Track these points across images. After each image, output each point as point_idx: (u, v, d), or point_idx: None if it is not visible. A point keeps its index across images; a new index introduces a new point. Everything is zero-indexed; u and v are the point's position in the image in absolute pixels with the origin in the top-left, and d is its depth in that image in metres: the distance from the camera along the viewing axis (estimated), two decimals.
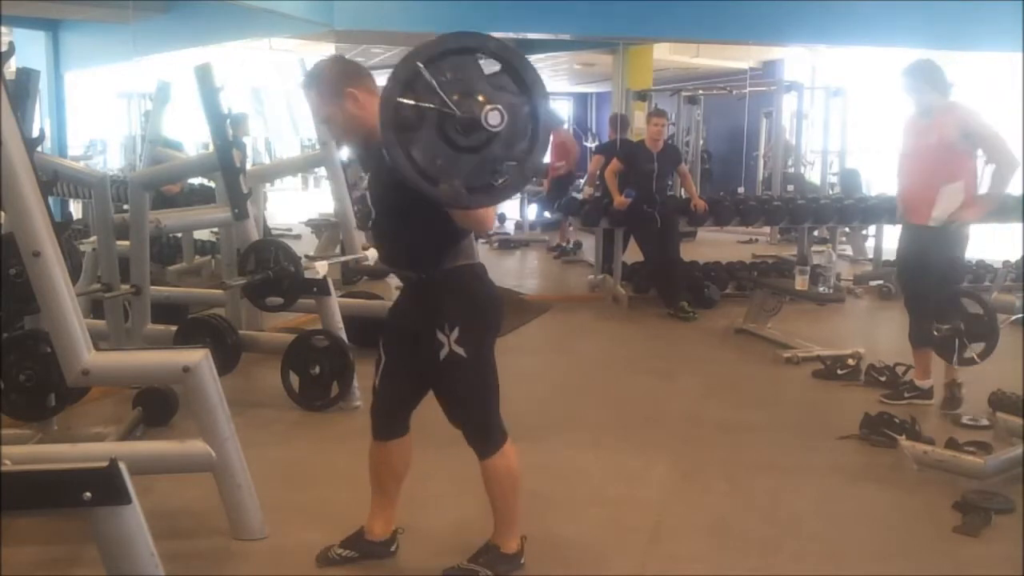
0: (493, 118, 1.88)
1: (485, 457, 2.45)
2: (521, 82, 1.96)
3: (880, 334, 5.94)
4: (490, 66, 1.96)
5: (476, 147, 1.94)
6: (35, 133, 2.60)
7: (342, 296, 4.85)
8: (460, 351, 2.32)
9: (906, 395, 4.23)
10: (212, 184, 5.72)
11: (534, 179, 2.07)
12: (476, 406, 2.43)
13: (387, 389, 2.53)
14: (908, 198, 4.12)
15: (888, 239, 7.52)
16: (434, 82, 1.90)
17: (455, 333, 2.32)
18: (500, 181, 1.99)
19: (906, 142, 4.13)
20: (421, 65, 1.90)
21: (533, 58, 12.47)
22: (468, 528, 2.74)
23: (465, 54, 1.96)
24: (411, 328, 2.40)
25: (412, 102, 1.90)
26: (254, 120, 9.43)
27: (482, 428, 2.45)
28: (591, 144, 12.77)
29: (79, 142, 9.25)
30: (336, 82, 2.32)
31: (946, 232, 3.93)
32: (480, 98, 1.91)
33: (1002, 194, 4.02)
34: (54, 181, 2.80)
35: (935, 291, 3.91)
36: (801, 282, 5.37)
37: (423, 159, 1.94)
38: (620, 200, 6.54)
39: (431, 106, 1.90)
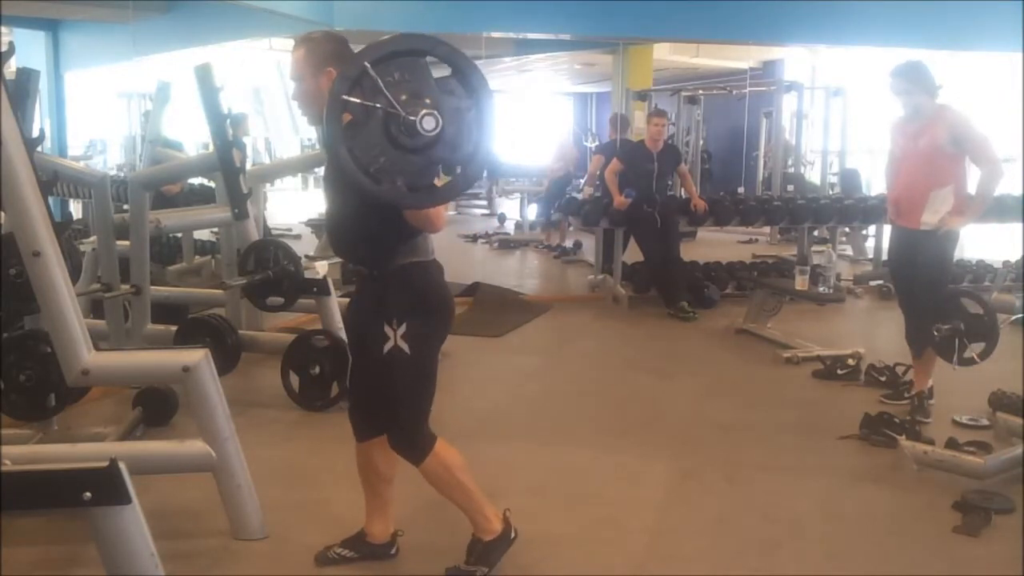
0: (428, 123, 1.92)
1: (416, 463, 2.43)
2: (468, 86, 2.00)
3: (880, 334, 5.93)
4: (440, 70, 2.01)
5: (419, 148, 1.97)
6: (35, 133, 2.60)
7: (342, 296, 4.85)
8: (404, 347, 2.31)
9: (906, 395, 4.23)
10: (212, 184, 5.71)
11: (478, 181, 2.15)
12: (407, 406, 2.39)
13: (355, 389, 2.55)
14: (898, 201, 4.13)
15: (888, 239, 7.51)
16: (380, 81, 1.93)
17: (402, 328, 2.32)
18: (443, 182, 2.03)
19: (895, 145, 4.13)
20: (368, 64, 1.93)
21: (533, 58, 12.51)
22: (468, 528, 2.73)
23: (414, 56, 1.99)
24: (363, 322, 2.41)
25: (358, 100, 1.94)
26: (254, 120, 9.43)
27: (409, 433, 2.40)
28: (591, 144, 12.76)
29: (79, 142, 9.25)
30: (322, 55, 2.34)
31: (936, 235, 3.93)
32: (426, 100, 1.94)
33: (989, 199, 4.03)
34: (54, 181, 2.80)
35: (927, 293, 3.92)
36: (801, 282, 5.37)
37: (366, 157, 1.98)
38: (620, 200, 6.54)
39: (376, 105, 1.94)
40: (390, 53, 1.98)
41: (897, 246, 4.23)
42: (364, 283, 2.46)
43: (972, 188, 3.99)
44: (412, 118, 1.92)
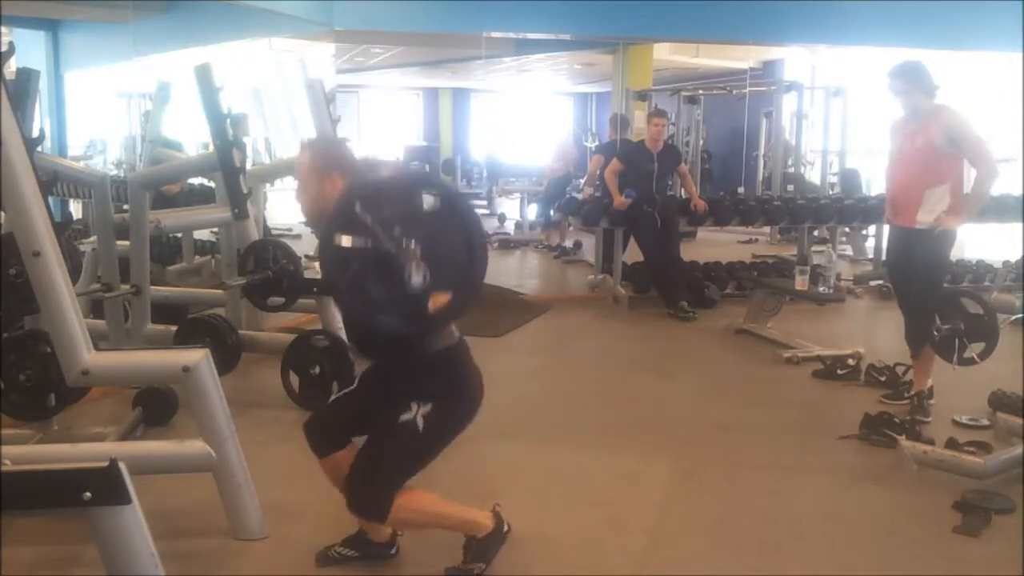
0: (415, 280, 2.05)
1: (380, 524, 2.42)
2: (458, 216, 2.16)
3: (880, 334, 5.93)
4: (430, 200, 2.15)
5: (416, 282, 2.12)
6: (35, 133, 2.60)
7: None
8: (420, 424, 2.31)
9: (906, 395, 4.23)
10: (212, 184, 5.71)
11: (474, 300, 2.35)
12: (388, 477, 2.34)
13: (341, 408, 2.54)
14: (895, 201, 4.14)
15: (888, 239, 7.51)
16: (369, 220, 2.08)
17: (427, 407, 2.33)
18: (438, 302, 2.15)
19: (893, 144, 4.14)
20: (359, 205, 2.09)
21: (533, 58, 12.51)
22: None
23: (404, 192, 2.15)
24: (392, 386, 2.38)
25: (350, 241, 2.09)
26: (254, 120, 9.43)
27: (375, 501, 2.34)
28: (591, 144, 12.76)
29: (79, 142, 9.25)
30: (326, 162, 2.45)
31: (932, 235, 3.93)
32: (412, 245, 2.08)
33: (984, 199, 4.05)
34: (54, 181, 2.80)
35: (924, 292, 3.93)
36: (801, 282, 5.37)
37: (364, 291, 2.13)
38: (620, 200, 6.54)
39: (367, 244, 2.08)
40: (377, 192, 2.14)
41: (894, 246, 4.24)
42: (396, 358, 2.41)
43: (968, 188, 3.99)
44: (400, 271, 2.07)
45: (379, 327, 2.17)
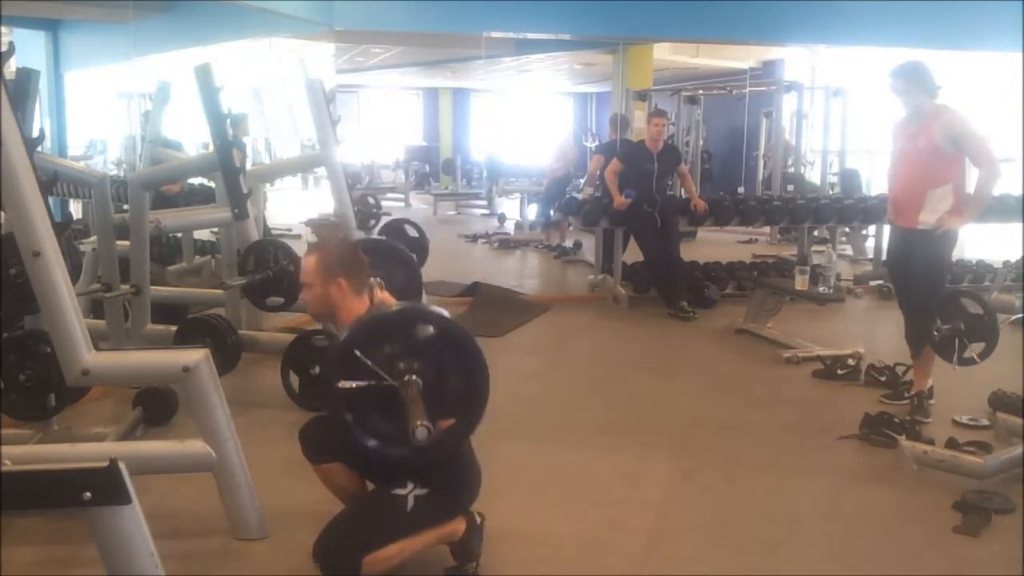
0: (420, 434, 2.07)
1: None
2: (456, 345, 2.23)
3: (880, 334, 5.93)
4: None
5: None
6: (35, 133, 2.60)
7: None
8: (409, 503, 2.35)
9: (906, 395, 4.23)
10: (212, 184, 5.72)
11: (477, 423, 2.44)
12: (362, 543, 2.34)
13: (336, 430, 2.51)
14: (897, 201, 4.13)
15: (888, 239, 7.51)
16: (369, 363, 2.15)
17: (423, 492, 2.36)
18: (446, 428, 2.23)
19: (895, 144, 4.13)
20: (358, 352, 2.16)
21: (533, 58, 12.51)
22: None
23: (402, 326, 2.23)
24: (391, 464, 2.37)
25: (352, 385, 2.16)
26: (254, 120, 9.44)
27: (344, 562, 2.34)
28: (591, 144, 12.76)
29: (79, 142, 9.25)
30: (333, 265, 2.50)
31: (934, 235, 3.93)
32: (414, 389, 2.13)
33: (986, 200, 4.03)
34: (54, 181, 2.80)
35: (927, 292, 3.92)
36: (801, 282, 5.37)
37: (367, 424, 2.22)
38: (620, 200, 6.54)
39: (371, 383, 2.15)
40: (376, 331, 2.22)
41: (896, 246, 4.24)
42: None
43: (970, 188, 3.99)
44: (403, 406, 2.11)
45: (386, 460, 2.25)
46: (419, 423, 2.05)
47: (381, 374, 2.14)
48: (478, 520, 2.55)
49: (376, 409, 2.20)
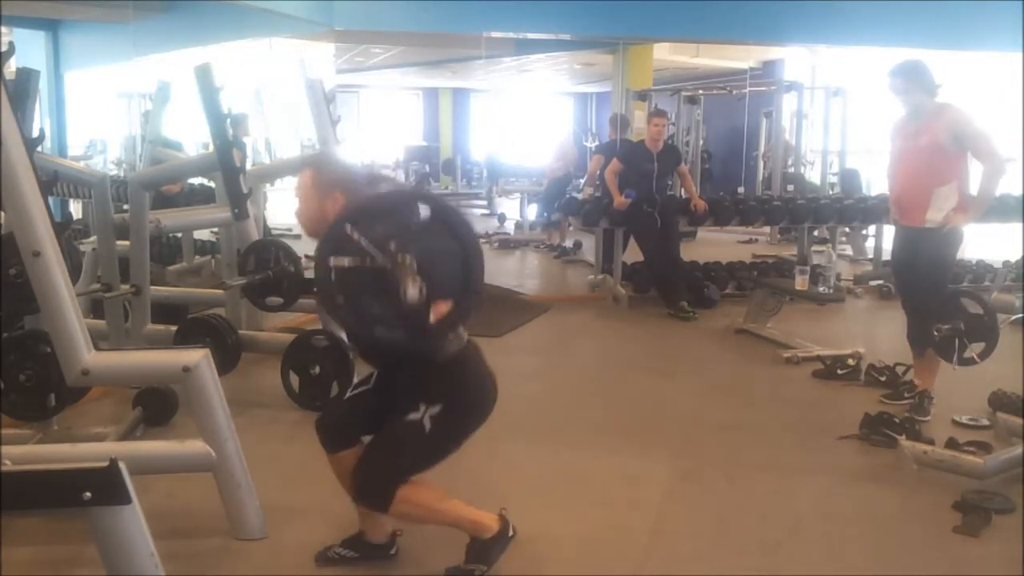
0: (412, 293, 2.06)
1: (383, 513, 2.42)
2: (450, 226, 2.19)
3: (880, 334, 5.93)
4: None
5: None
6: (35, 133, 2.60)
7: None
8: (427, 424, 2.33)
9: (906, 395, 4.22)
10: (212, 184, 5.71)
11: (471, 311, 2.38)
12: (391, 471, 2.36)
13: (353, 406, 2.54)
14: (901, 201, 4.11)
15: (888, 239, 7.51)
16: (363, 240, 2.11)
17: (435, 409, 2.34)
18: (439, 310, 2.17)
19: (896, 144, 4.12)
20: (349, 226, 2.12)
21: (533, 58, 12.51)
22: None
23: (394, 207, 2.19)
24: (401, 386, 2.40)
25: (345, 263, 2.12)
26: (254, 120, 9.43)
27: (379, 491, 2.37)
28: (591, 144, 12.76)
29: (79, 142, 9.25)
30: (329, 180, 2.46)
31: (939, 234, 3.92)
32: (407, 260, 2.09)
33: (991, 196, 4.01)
34: (54, 181, 2.80)
35: (931, 292, 3.91)
36: (801, 282, 5.37)
37: (360, 306, 2.17)
38: (620, 200, 6.54)
39: (363, 263, 2.10)
40: (370, 210, 2.18)
41: (900, 245, 4.22)
42: (405, 363, 2.41)
43: (973, 187, 3.98)
44: (396, 286, 2.08)
45: (383, 343, 2.20)
46: (411, 283, 2.04)
47: (373, 252, 2.09)
48: (511, 533, 2.55)
49: (369, 291, 2.14)
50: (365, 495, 2.41)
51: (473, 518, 2.51)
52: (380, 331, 2.16)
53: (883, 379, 4.50)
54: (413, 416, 2.33)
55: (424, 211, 2.16)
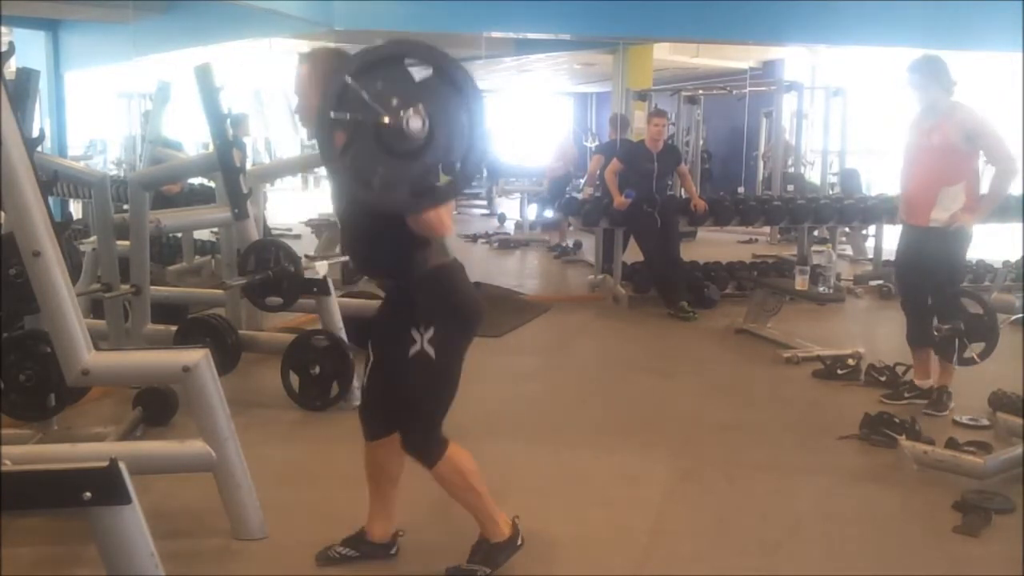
0: (414, 124, 1.94)
1: (429, 467, 2.42)
2: (454, 84, 2.02)
3: (880, 334, 5.93)
4: (423, 72, 2.02)
5: (413, 153, 2.00)
6: (35, 133, 2.60)
7: (342, 296, 4.85)
8: (430, 351, 2.32)
9: (906, 395, 4.22)
10: (212, 184, 5.72)
11: (477, 177, 2.23)
12: (425, 409, 2.39)
13: (372, 388, 2.54)
14: (909, 199, 4.10)
15: (888, 239, 7.52)
16: (364, 93, 1.96)
17: (429, 332, 2.32)
18: (443, 182, 2.05)
19: (909, 140, 4.09)
20: (349, 79, 1.97)
21: (533, 58, 12.51)
22: (469, 529, 2.73)
23: (394, 62, 2.02)
24: (391, 327, 2.40)
25: (345, 116, 1.98)
26: (254, 120, 9.45)
27: (424, 436, 2.40)
28: (591, 144, 12.77)
29: (79, 142, 9.25)
30: (326, 72, 2.31)
31: (947, 233, 3.91)
32: (411, 104, 1.96)
33: (1002, 197, 3.99)
34: (54, 181, 2.80)
35: (936, 292, 3.90)
36: (801, 282, 5.37)
37: (363, 170, 2.02)
38: (620, 200, 6.54)
39: (362, 118, 1.97)
40: (369, 63, 2.01)
41: (906, 245, 4.18)
42: (391, 291, 2.48)
43: (984, 187, 3.96)
44: (399, 123, 1.94)
45: (385, 205, 2.09)
46: (412, 110, 1.93)
47: (376, 108, 1.97)
48: (519, 541, 2.55)
49: (371, 150, 2.01)
50: (416, 446, 2.41)
51: (493, 514, 2.51)
52: (381, 196, 2.04)
53: (883, 379, 4.50)
54: (414, 349, 2.31)
55: (426, 66, 2.02)
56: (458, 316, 2.40)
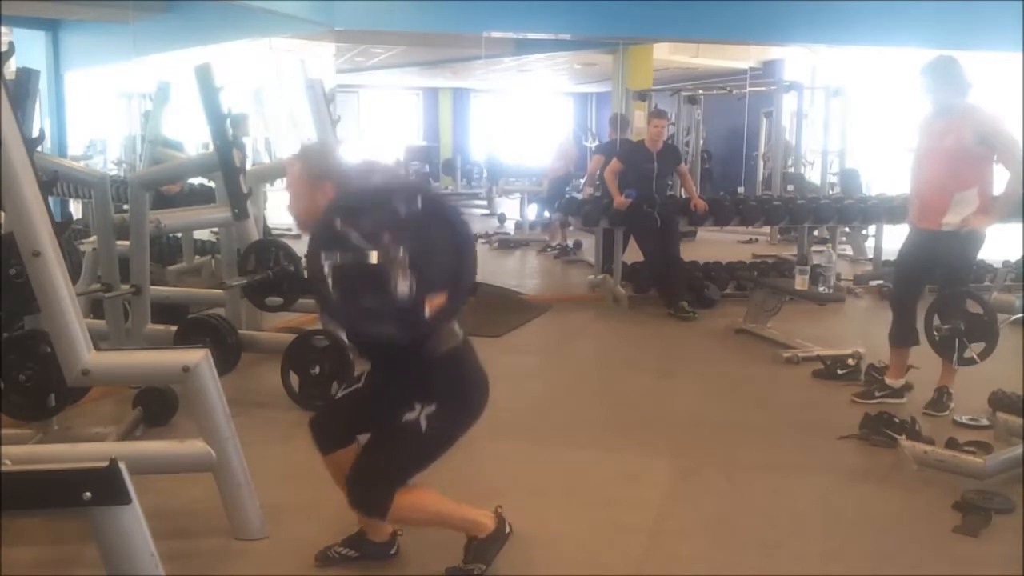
0: (403, 289, 2.03)
1: (380, 520, 2.41)
2: (441, 217, 2.14)
3: (880, 334, 5.89)
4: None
5: (403, 284, 2.09)
6: (35, 133, 2.60)
7: None
8: (423, 424, 2.30)
9: (877, 394, 4.21)
10: (212, 184, 5.71)
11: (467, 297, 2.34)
12: (389, 474, 2.33)
13: (346, 405, 2.53)
14: (920, 202, 4.05)
15: (888, 239, 7.52)
16: (353, 235, 2.07)
17: (431, 408, 2.31)
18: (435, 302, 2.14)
19: (921, 142, 4.04)
20: (339, 220, 2.08)
21: (533, 58, 12.51)
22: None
23: (384, 199, 2.13)
24: (392, 388, 2.37)
25: (336, 257, 2.08)
26: (254, 120, 9.44)
27: (376, 498, 2.33)
28: (591, 144, 12.77)
29: (79, 142, 9.25)
30: (319, 170, 2.42)
31: (958, 236, 3.87)
32: (399, 253, 2.06)
33: (1015, 201, 3.92)
34: (54, 181, 2.80)
35: (941, 291, 3.89)
36: (801, 282, 5.37)
37: (353, 300, 2.11)
38: (620, 200, 6.54)
39: (353, 255, 2.07)
40: (359, 202, 2.13)
41: (912, 245, 4.14)
42: (398, 366, 2.40)
43: (998, 189, 3.91)
44: (388, 260, 2.05)
45: (377, 338, 2.17)
46: (401, 278, 2.01)
47: (364, 246, 2.05)
48: (507, 530, 2.55)
49: (362, 286, 2.09)
50: (362, 503, 2.37)
51: (469, 517, 2.51)
52: (374, 326, 2.12)
53: (883, 379, 4.50)
54: (409, 416, 2.30)
55: (415, 201, 2.10)
56: (464, 404, 2.40)
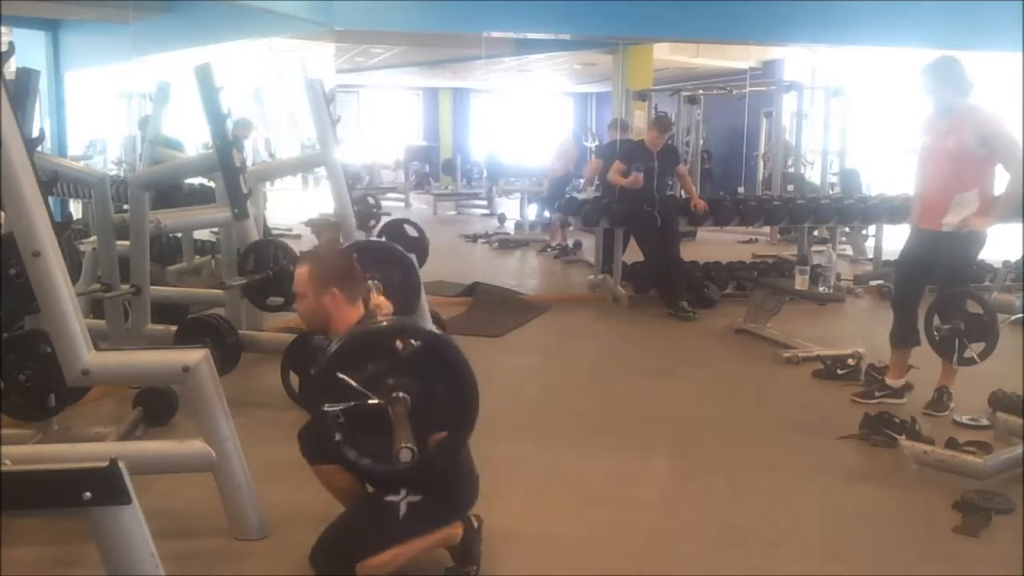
0: (404, 456, 2.02)
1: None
2: (443, 359, 2.16)
3: (880, 334, 5.89)
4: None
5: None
6: (35, 133, 2.60)
7: None
8: (402, 510, 2.32)
9: (877, 394, 4.22)
10: (212, 184, 5.71)
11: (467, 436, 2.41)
12: (354, 548, 2.33)
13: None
14: (922, 202, 4.05)
15: (888, 239, 7.52)
16: (353, 383, 2.11)
17: (415, 497, 2.33)
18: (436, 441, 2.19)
19: (923, 143, 4.05)
20: (341, 374, 2.13)
21: (533, 58, 12.51)
22: None
23: (385, 342, 2.18)
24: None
25: (339, 409, 2.12)
26: (254, 120, 9.45)
27: (339, 569, 2.33)
28: (591, 144, 12.77)
29: (79, 142, 9.25)
30: (326, 275, 2.48)
31: (959, 236, 3.87)
32: (401, 395, 2.10)
33: (1016, 202, 3.92)
34: (54, 181, 2.80)
35: (941, 291, 3.89)
36: (801, 282, 5.37)
37: (357, 443, 2.16)
38: (633, 178, 6.45)
39: (354, 404, 2.11)
40: (358, 348, 2.17)
41: (914, 246, 4.15)
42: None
43: (1000, 190, 3.91)
44: (389, 404, 2.09)
45: (379, 476, 2.24)
46: (403, 445, 2.01)
47: (366, 393, 2.10)
48: (475, 524, 2.55)
49: (365, 427, 2.15)
50: (326, 570, 2.38)
51: (436, 539, 2.48)
52: (381, 466, 2.17)
53: (883, 379, 4.50)
54: (391, 498, 2.33)
55: (414, 343, 2.14)
56: (450, 501, 2.43)
